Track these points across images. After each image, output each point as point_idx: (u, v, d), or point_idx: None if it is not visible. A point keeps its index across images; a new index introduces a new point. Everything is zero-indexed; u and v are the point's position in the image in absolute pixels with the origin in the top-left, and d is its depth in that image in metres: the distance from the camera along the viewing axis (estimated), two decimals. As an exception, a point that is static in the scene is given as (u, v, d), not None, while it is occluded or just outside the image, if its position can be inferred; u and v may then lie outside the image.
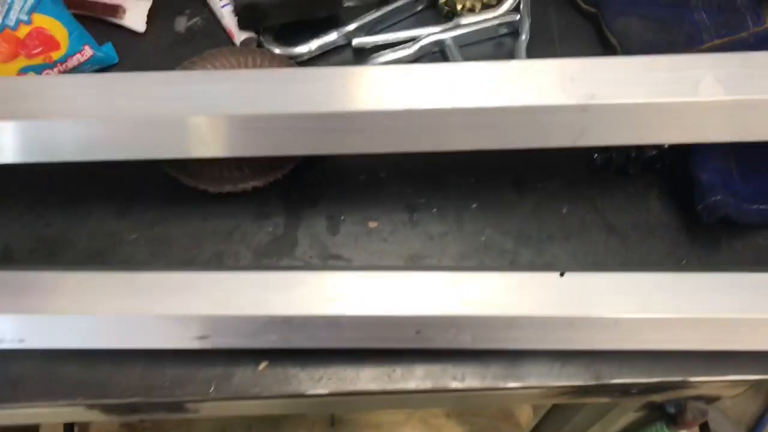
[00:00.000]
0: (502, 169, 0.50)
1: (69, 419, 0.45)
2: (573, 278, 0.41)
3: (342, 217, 0.48)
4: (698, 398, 0.48)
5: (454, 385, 0.43)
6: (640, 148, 0.47)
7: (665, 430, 0.53)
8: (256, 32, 0.54)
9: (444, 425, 1.16)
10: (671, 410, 0.50)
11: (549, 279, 0.41)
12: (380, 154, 0.42)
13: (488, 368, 0.44)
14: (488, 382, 0.43)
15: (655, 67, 0.41)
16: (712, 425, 1.44)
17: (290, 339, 0.41)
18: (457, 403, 0.47)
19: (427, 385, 0.43)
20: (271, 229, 0.48)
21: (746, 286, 0.41)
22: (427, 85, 0.41)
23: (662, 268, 0.46)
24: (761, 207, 0.46)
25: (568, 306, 0.41)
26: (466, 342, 0.42)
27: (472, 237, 0.48)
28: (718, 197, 0.44)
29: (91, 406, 0.44)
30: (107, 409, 0.45)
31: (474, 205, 0.49)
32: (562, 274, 0.42)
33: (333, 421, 1.16)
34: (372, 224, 0.48)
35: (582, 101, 0.40)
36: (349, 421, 1.16)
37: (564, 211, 0.48)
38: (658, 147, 0.47)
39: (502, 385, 0.44)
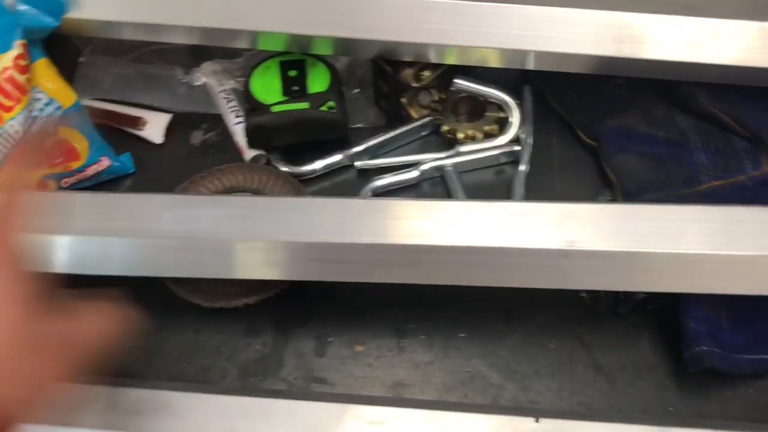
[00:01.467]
0: (493, 299, 0.50)
1: None
2: (548, 425, 0.41)
3: (330, 339, 0.49)
4: None
5: None
6: (633, 293, 0.47)
7: None
8: (266, 150, 0.56)
9: None
10: None
11: (524, 424, 0.41)
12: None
13: None
14: None
15: (641, 216, 0.42)
16: None
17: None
18: None
19: None
20: (259, 347, 0.49)
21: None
22: (422, 220, 0.42)
23: (646, 418, 0.45)
24: (751, 357, 0.45)
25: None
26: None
27: (458, 367, 0.48)
28: (704, 347, 0.44)
29: None
30: None
31: (462, 334, 0.49)
32: (537, 420, 0.41)
33: None
34: (359, 348, 0.49)
35: (564, 246, 0.41)
36: None
37: (552, 346, 0.48)
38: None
39: None
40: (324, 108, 0.53)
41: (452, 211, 0.42)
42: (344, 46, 0.52)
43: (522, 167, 0.54)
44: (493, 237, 0.41)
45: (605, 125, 0.55)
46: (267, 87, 0.55)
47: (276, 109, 0.53)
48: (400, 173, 0.54)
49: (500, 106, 0.56)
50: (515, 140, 0.55)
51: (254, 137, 0.54)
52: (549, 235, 0.41)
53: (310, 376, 0.48)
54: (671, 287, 0.42)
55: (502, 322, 0.49)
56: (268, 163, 0.56)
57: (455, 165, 0.55)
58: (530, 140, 0.55)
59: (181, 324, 0.49)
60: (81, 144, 0.54)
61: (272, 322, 0.50)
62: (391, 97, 0.56)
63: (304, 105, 0.53)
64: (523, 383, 0.47)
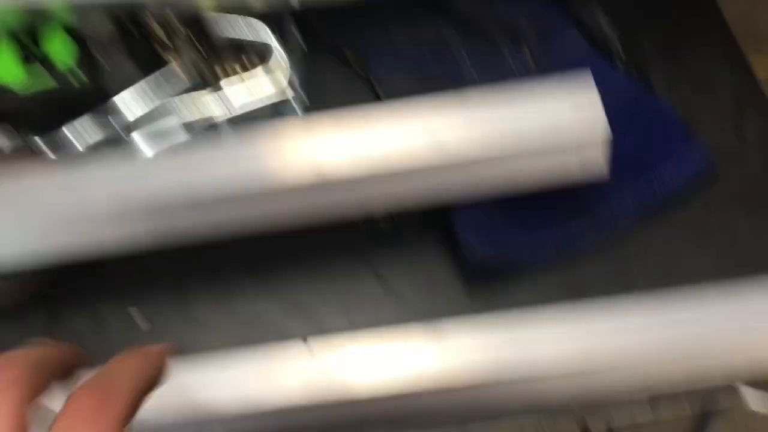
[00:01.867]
0: (276, 236, 0.48)
1: None
2: (316, 343, 0.39)
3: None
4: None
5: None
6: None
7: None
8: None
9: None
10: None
11: (291, 348, 0.39)
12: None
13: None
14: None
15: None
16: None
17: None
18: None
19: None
20: (27, 329, 0.46)
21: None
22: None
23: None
24: (524, 250, 0.45)
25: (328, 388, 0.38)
26: None
27: (242, 315, 0.46)
28: (472, 241, 0.43)
29: None
30: None
31: (247, 279, 0.47)
32: (305, 340, 0.40)
33: None
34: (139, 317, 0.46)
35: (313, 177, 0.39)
36: None
37: (341, 275, 0.47)
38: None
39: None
40: (75, 81, 0.50)
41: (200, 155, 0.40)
42: (79, 12, 0.49)
43: (297, 110, 0.52)
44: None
45: (372, 48, 0.53)
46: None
47: (20, 91, 0.50)
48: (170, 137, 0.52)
49: (264, 50, 0.54)
50: (289, 82, 0.54)
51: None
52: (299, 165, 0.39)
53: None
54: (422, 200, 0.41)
55: (289, 259, 0.48)
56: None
57: (230, 121, 0.52)
58: (299, 81, 0.53)
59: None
60: None
61: (45, 315, 0.47)
62: (152, 59, 0.53)
63: (50, 82, 0.50)
64: (312, 317, 0.45)
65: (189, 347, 0.45)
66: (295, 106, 0.53)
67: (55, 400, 0.27)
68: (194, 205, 0.40)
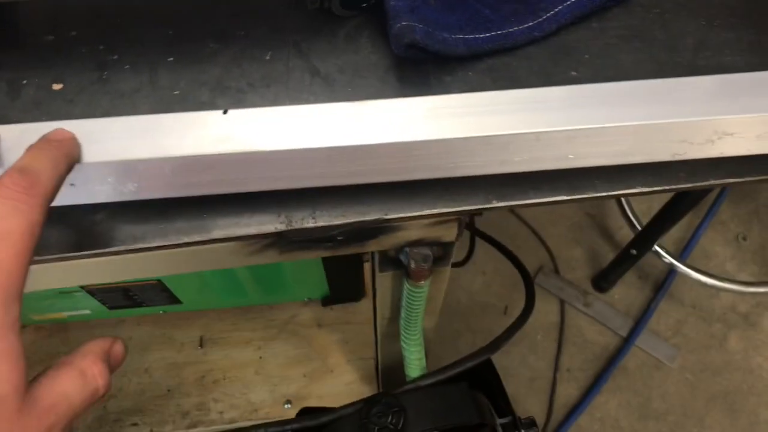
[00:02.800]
0: (203, 19, 0.46)
1: None
2: (235, 114, 0.38)
3: (24, 81, 0.44)
4: (420, 243, 0.46)
5: (135, 245, 0.41)
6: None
7: (408, 285, 0.51)
8: None
9: (315, 335, 1.15)
10: (404, 261, 0.48)
11: (211, 117, 0.38)
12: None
13: (172, 223, 0.41)
14: (172, 238, 0.41)
15: None
16: (599, 318, 1.47)
17: None
18: (156, 268, 0.44)
19: (99, 247, 0.41)
20: (-59, 97, 0.44)
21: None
22: None
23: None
24: (466, 37, 0.43)
25: (236, 142, 0.38)
26: (131, 192, 0.39)
27: (166, 91, 0.44)
28: (404, 23, 0.41)
29: None
30: None
31: (170, 59, 0.45)
32: (225, 112, 0.39)
33: (202, 342, 1.14)
34: (56, 86, 0.44)
35: None
36: (218, 340, 1.14)
37: (267, 57, 0.45)
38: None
39: (187, 239, 0.41)
40: None
41: None
42: None
43: None
44: None
45: None
46: None
47: None
48: None
49: None
50: None
51: None
52: None
53: (4, 120, 0.43)
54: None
55: (214, 41, 0.46)
56: None
57: None
58: None
59: None
60: None
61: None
62: None
63: None
64: (236, 97, 0.44)
65: (109, 115, 0.43)
66: None
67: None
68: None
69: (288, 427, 0.68)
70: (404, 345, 0.62)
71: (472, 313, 1.48)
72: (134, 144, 0.38)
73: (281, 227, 0.41)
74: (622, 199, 1.47)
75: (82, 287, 0.97)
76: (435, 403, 0.62)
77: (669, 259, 1.39)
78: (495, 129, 0.38)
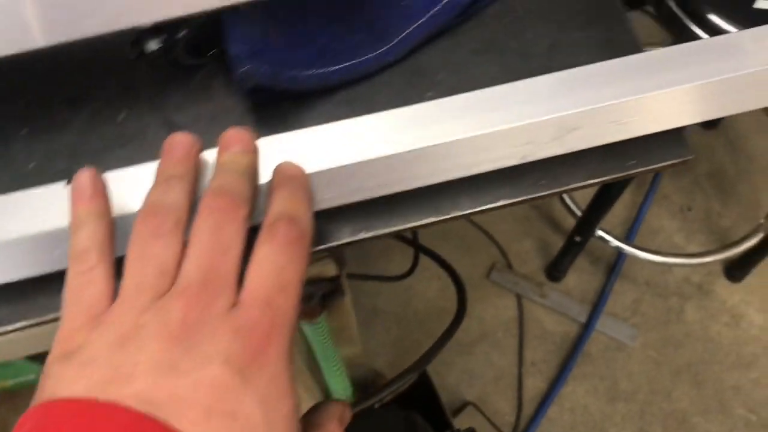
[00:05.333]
0: (54, 86, 0.46)
1: None
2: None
3: None
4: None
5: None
6: (171, 36, 0.43)
7: (306, 325, 0.51)
8: None
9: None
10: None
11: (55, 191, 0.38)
12: None
13: (38, 301, 0.40)
14: (39, 317, 0.40)
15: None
16: (557, 307, 1.48)
17: None
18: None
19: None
20: None
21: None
22: None
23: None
24: (309, 72, 0.43)
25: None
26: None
27: (21, 165, 0.43)
28: (248, 66, 0.41)
29: None
30: None
31: (23, 131, 0.44)
32: (69, 182, 0.38)
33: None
34: None
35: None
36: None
37: (121, 117, 0.45)
38: (188, 26, 0.43)
39: (51, 317, 0.40)
40: None
41: None
42: None
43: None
44: None
45: None
46: None
47: None
48: None
49: None
50: None
51: None
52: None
53: None
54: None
55: (67, 109, 0.45)
56: None
57: None
58: None
59: None
60: None
61: None
62: None
63: None
64: (92, 161, 0.43)
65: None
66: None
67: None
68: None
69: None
70: (329, 380, 0.61)
71: (430, 319, 1.48)
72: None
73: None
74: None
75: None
76: (368, 429, 0.62)
77: (615, 242, 1.40)
78: (345, 158, 0.38)
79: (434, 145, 0.38)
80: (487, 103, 0.39)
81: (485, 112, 0.39)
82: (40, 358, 0.91)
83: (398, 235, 1.06)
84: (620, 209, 1.57)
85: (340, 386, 0.61)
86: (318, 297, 0.46)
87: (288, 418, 0.27)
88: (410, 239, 1.03)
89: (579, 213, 1.39)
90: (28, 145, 0.44)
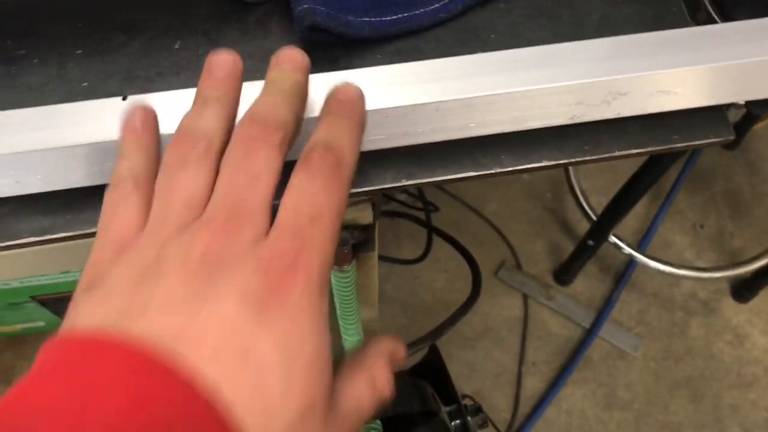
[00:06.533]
0: (112, 11, 0.46)
1: None
2: (137, 101, 0.38)
3: (-71, 78, 0.44)
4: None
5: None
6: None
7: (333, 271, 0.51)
8: None
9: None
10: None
11: (111, 105, 0.38)
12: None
13: (85, 214, 0.41)
14: (86, 228, 0.41)
15: None
16: (562, 311, 1.48)
17: None
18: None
19: None
20: None
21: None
22: None
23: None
24: (372, 20, 0.44)
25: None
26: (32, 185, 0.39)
27: (74, 84, 0.44)
28: (305, 5, 0.42)
29: None
30: None
31: (79, 51, 0.45)
32: (124, 98, 0.39)
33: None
34: (-38, 81, 0.44)
35: None
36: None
37: (176, 46, 0.45)
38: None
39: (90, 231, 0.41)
40: None
41: None
42: None
43: None
44: None
45: None
46: None
47: None
48: None
49: None
50: None
51: None
52: None
53: None
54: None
55: (123, 33, 0.46)
56: None
57: None
58: None
59: None
60: None
61: None
62: None
63: None
64: (144, 86, 0.44)
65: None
66: None
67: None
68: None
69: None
70: (344, 336, 0.62)
71: (437, 311, 1.49)
72: (35, 135, 0.38)
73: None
74: (578, 192, 1.48)
75: (33, 297, 0.96)
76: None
77: (628, 249, 1.41)
78: (396, 101, 0.38)
79: (486, 95, 0.39)
80: (541, 60, 0.40)
81: (539, 67, 0.40)
82: (50, 303, 0.92)
83: (415, 218, 1.07)
84: (633, 220, 1.58)
85: (357, 346, 0.62)
86: (350, 244, 0.47)
87: (310, 362, 0.25)
88: (425, 222, 1.04)
89: (594, 217, 1.40)
90: (83, 65, 0.45)
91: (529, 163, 0.43)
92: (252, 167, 0.28)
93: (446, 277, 1.51)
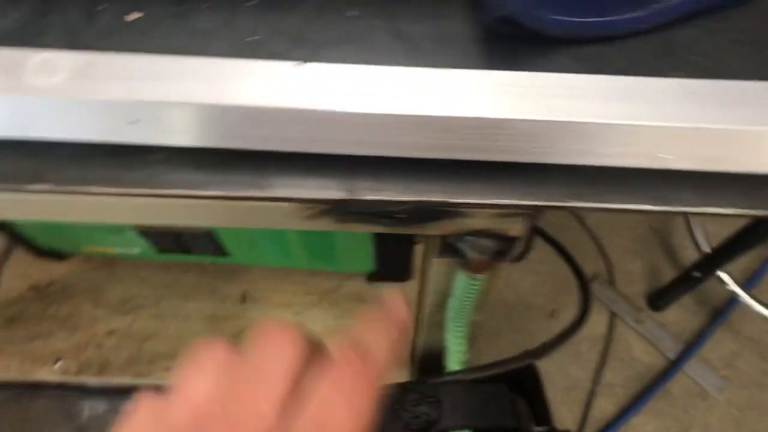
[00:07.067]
0: (291, -34, 0.44)
1: None
2: (319, 68, 0.36)
3: (100, 7, 0.43)
4: (483, 234, 0.43)
5: (192, 192, 0.39)
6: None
7: (465, 277, 0.48)
8: None
9: (355, 309, 1.13)
10: (463, 250, 0.46)
11: (283, 68, 0.36)
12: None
13: (233, 175, 0.39)
14: (230, 190, 0.39)
15: None
16: (649, 337, 1.42)
17: None
18: (208, 218, 0.42)
19: (160, 190, 0.39)
20: (18, 14, 0.43)
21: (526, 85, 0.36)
22: None
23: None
24: (557, 17, 0.40)
25: (308, 99, 0.36)
26: (195, 138, 0.37)
27: (241, 35, 0.42)
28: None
29: None
30: None
31: (251, 3, 0.43)
32: (299, 63, 0.36)
33: (244, 298, 1.14)
34: (133, 16, 0.43)
35: None
36: (259, 299, 1.14)
37: (352, 14, 0.43)
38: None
39: (244, 194, 0.39)
40: None
41: None
42: None
43: None
44: None
45: None
46: None
47: None
48: None
49: None
50: None
51: None
52: None
53: (75, 43, 0.42)
54: None
55: (298, -9, 0.44)
56: None
57: None
58: None
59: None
60: None
61: (36, -8, 0.43)
62: None
63: None
64: (312, 50, 0.42)
65: (180, 52, 0.41)
66: None
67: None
68: None
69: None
70: (449, 336, 0.59)
71: (516, 312, 1.45)
72: (204, 88, 0.36)
73: (342, 195, 0.39)
74: (690, 218, 1.40)
75: (136, 226, 0.97)
76: (472, 400, 0.60)
77: (733, 287, 1.33)
78: (586, 116, 0.35)
79: (688, 127, 0.35)
80: (757, 97, 0.35)
81: (755, 106, 0.35)
82: (150, 234, 0.93)
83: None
84: (742, 257, 1.48)
85: (460, 348, 0.59)
86: (491, 253, 0.44)
87: None
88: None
89: (706, 248, 1.32)
90: (252, 17, 0.43)
91: (714, 207, 0.38)
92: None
93: (534, 279, 1.46)
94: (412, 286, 1.12)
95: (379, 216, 0.41)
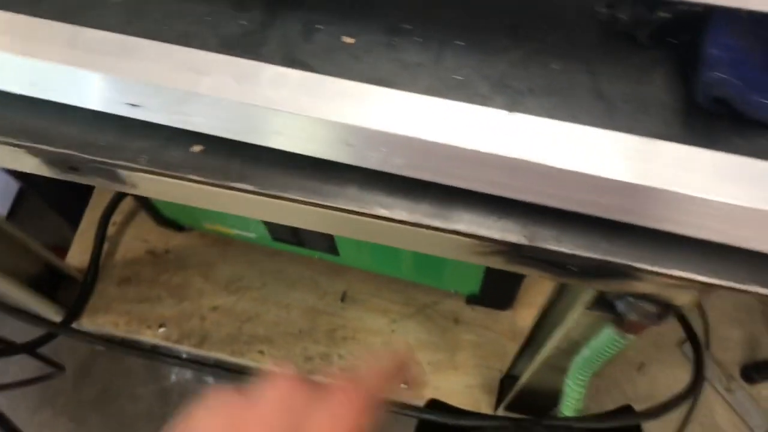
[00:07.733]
0: (501, 10, 0.46)
1: (11, 165, 0.45)
2: (524, 119, 0.38)
3: (319, 26, 0.46)
4: (647, 298, 0.44)
5: (381, 212, 0.41)
6: (651, 10, 0.41)
7: (613, 333, 0.49)
8: None
9: (450, 328, 1.15)
10: (621, 309, 0.46)
11: (498, 115, 0.38)
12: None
13: (419, 203, 0.41)
14: (416, 217, 0.41)
15: None
16: (737, 408, 1.37)
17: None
18: (384, 237, 0.44)
19: (352, 206, 0.41)
20: (245, 22, 0.46)
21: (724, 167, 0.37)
22: None
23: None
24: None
25: (511, 146, 0.37)
26: (396, 166, 0.39)
27: (448, 74, 0.44)
28: (720, 74, 0.39)
29: (32, 151, 0.44)
30: (50, 160, 0.45)
31: (461, 42, 0.45)
32: (509, 112, 0.38)
33: (344, 297, 1.17)
34: (348, 40, 0.45)
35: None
36: (358, 300, 1.17)
37: (555, 66, 0.44)
38: (671, 10, 0.41)
39: (428, 222, 0.41)
40: None
41: None
42: None
43: None
44: None
45: None
46: None
47: None
48: None
49: None
50: None
51: None
52: None
53: (292, 58, 0.45)
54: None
55: (507, 36, 0.45)
56: None
57: None
58: None
59: None
60: None
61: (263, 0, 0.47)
62: None
63: None
64: (514, 98, 0.43)
65: (389, 81, 0.44)
66: None
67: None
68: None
69: (421, 414, 0.68)
70: (570, 382, 0.60)
71: (610, 366, 1.42)
72: (412, 120, 0.38)
73: (522, 240, 0.40)
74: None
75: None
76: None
77: (838, 375, 1.27)
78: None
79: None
80: None
81: None
82: (270, 224, 0.96)
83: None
84: None
85: (579, 396, 0.60)
86: (650, 316, 0.44)
87: None
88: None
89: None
90: (459, 57, 0.45)
91: None
92: None
93: (627, 327, 1.43)
94: (508, 315, 1.13)
95: (550, 264, 0.43)
